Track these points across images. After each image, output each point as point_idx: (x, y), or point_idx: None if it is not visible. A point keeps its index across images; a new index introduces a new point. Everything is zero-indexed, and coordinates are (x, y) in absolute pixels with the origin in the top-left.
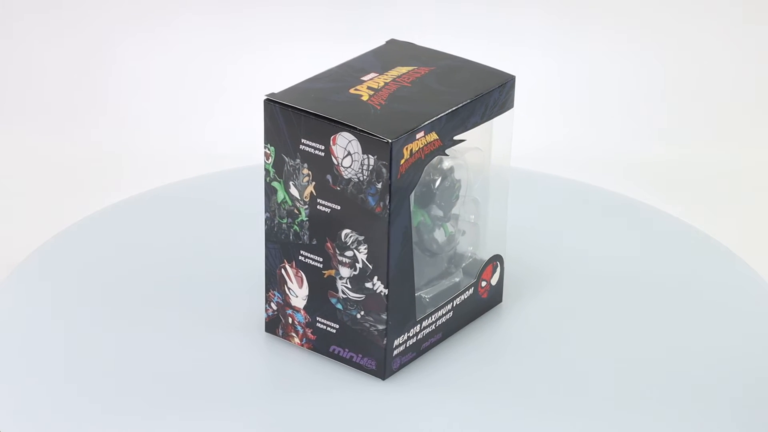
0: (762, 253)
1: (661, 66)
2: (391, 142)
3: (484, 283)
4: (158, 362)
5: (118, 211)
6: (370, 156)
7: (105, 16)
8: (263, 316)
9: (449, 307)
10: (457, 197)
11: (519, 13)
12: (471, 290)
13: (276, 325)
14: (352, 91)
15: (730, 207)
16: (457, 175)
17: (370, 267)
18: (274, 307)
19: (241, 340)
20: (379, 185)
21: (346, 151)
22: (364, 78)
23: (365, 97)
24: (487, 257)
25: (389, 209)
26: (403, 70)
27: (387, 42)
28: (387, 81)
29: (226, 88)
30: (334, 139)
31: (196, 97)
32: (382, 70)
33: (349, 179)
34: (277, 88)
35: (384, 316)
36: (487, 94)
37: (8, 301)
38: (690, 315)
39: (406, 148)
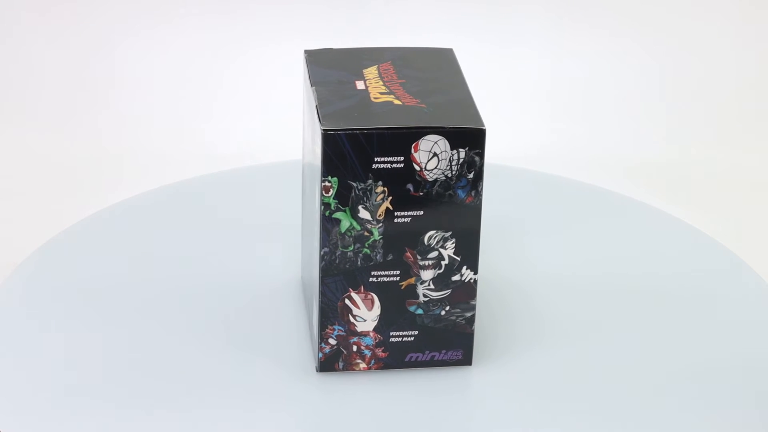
0: (762, 253)
1: (661, 66)
2: (485, 129)
3: None
4: (160, 363)
5: (118, 211)
6: (460, 150)
7: (105, 15)
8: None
9: None
10: None
11: (518, 13)
12: None
13: (335, 360)
14: (374, 100)
15: (730, 207)
16: None
17: (458, 259)
18: (333, 342)
19: (292, 376)
20: (471, 175)
21: (431, 154)
22: (359, 87)
23: (397, 102)
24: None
25: (481, 195)
26: (373, 70)
27: (308, 54)
28: (381, 83)
29: (226, 88)
30: (416, 146)
31: (196, 97)
32: (356, 77)
33: (435, 180)
34: (278, 88)
35: (473, 303)
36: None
37: (8, 301)
38: (689, 315)
39: None
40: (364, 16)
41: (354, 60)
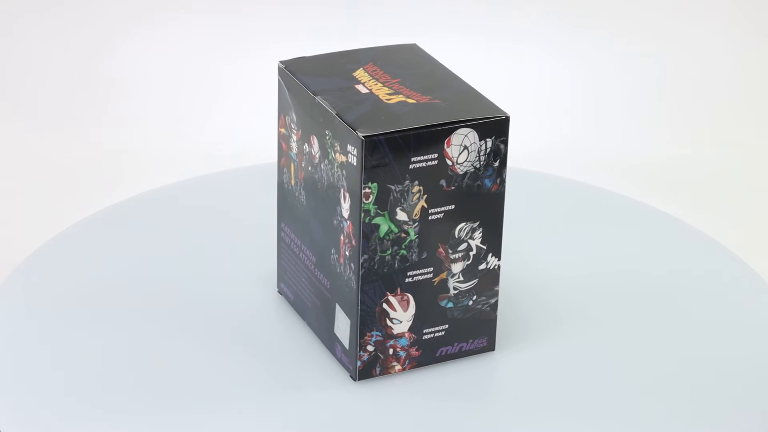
0: (762, 253)
1: (661, 66)
2: (509, 116)
3: None
4: (162, 365)
5: (118, 212)
6: (487, 140)
7: (105, 15)
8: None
9: None
10: None
11: (519, 13)
12: None
13: (372, 366)
14: (387, 102)
15: (730, 207)
16: None
17: (484, 248)
18: (371, 349)
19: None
20: (496, 163)
21: (462, 147)
22: (363, 92)
23: (410, 101)
24: None
25: (505, 182)
26: (362, 73)
27: (285, 65)
28: (379, 84)
29: (225, 88)
30: (449, 141)
31: (195, 97)
32: (352, 81)
33: (465, 173)
34: (275, 88)
35: (496, 288)
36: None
37: (8, 301)
38: (689, 315)
39: None
40: (363, 16)
41: (336, 65)
